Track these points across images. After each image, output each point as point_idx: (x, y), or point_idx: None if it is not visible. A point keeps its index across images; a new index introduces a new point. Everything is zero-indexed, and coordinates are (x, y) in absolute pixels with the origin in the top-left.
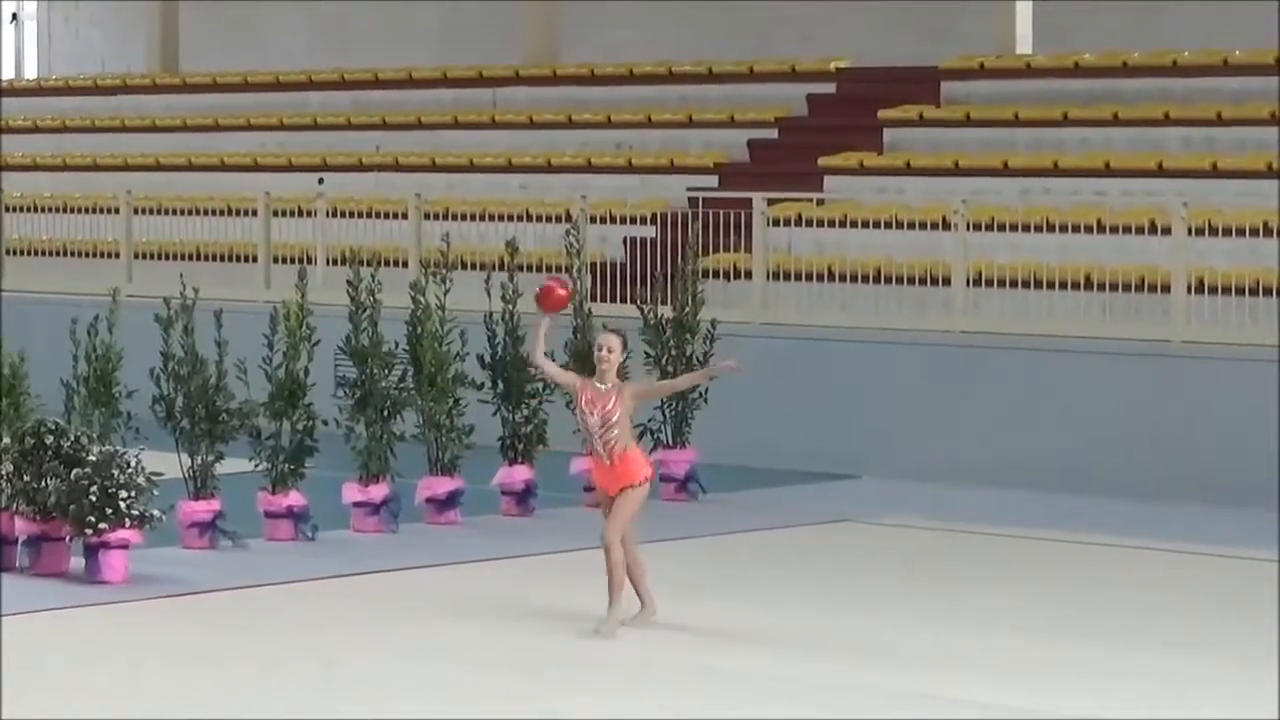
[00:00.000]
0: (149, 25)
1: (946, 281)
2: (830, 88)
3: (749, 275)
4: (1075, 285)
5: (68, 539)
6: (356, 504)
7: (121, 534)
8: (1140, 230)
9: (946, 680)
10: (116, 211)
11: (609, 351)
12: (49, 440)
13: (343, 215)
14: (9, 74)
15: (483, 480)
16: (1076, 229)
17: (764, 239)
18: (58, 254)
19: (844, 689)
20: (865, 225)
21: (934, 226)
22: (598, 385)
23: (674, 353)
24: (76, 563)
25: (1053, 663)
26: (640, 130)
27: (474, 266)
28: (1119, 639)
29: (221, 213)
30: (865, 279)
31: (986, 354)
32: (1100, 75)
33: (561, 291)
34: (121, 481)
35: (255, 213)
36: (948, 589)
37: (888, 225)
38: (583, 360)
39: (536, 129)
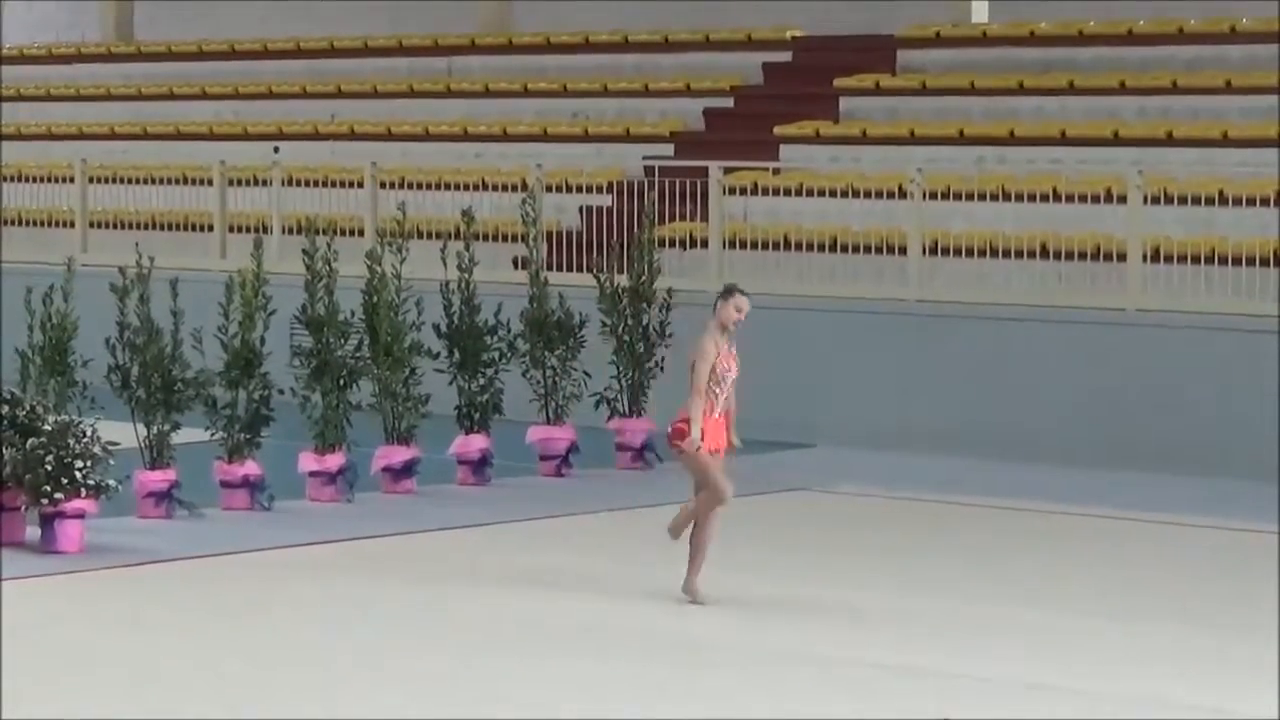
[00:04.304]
0: None
1: (902, 250)
2: (786, 56)
3: (705, 244)
4: (1031, 254)
5: (23, 508)
6: (312, 473)
7: (77, 504)
8: (1096, 199)
9: (903, 647)
10: (71, 180)
11: (740, 312)
12: (4, 410)
13: (298, 184)
14: None
15: (439, 449)
16: (1032, 198)
17: (720, 208)
18: (12, 223)
19: (799, 656)
20: (821, 194)
21: (890, 195)
22: (725, 345)
23: (630, 322)
24: (32, 532)
25: (1009, 629)
26: (596, 99)
27: (430, 236)
28: (1075, 605)
29: (177, 182)
30: (821, 248)
31: (942, 323)
32: (1056, 44)
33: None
34: (77, 451)
35: (211, 182)
36: (904, 557)
37: (843, 194)
38: (537, 328)
39: (492, 98)
